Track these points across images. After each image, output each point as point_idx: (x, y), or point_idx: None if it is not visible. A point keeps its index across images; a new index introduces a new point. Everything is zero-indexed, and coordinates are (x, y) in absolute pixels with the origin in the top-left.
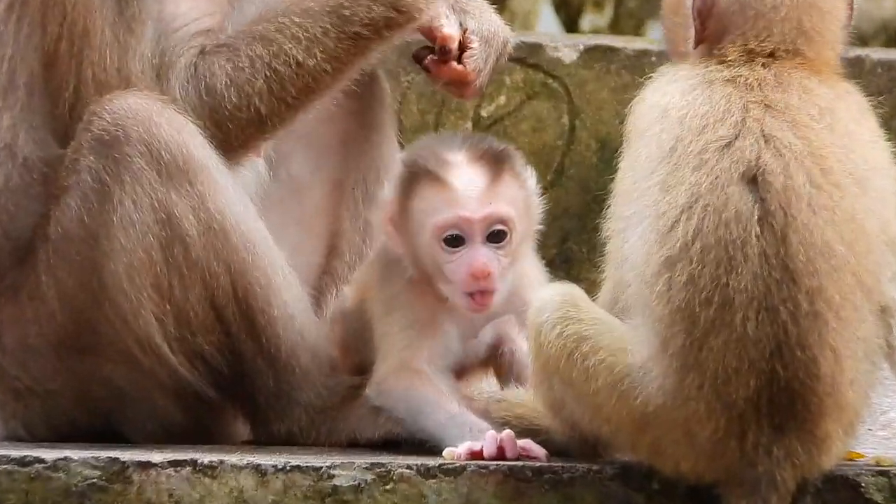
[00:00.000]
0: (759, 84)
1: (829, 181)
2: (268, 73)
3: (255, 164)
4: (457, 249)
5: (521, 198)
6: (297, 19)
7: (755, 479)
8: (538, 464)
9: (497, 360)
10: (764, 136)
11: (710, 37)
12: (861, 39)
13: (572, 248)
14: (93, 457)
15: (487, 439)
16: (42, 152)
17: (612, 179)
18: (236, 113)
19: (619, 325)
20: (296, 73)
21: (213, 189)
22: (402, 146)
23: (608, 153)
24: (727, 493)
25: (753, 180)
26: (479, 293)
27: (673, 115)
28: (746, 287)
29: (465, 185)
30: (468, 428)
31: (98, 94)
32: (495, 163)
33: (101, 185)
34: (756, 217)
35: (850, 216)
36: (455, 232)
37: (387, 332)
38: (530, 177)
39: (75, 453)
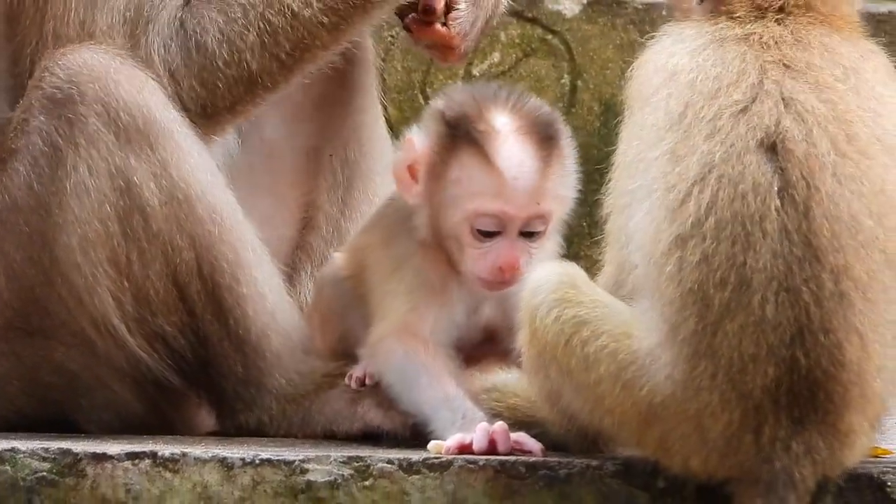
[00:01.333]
0: (777, 42)
1: (855, 149)
2: (261, 25)
3: None
4: (488, 239)
5: (565, 185)
6: None
7: (772, 477)
8: (532, 459)
9: (495, 341)
10: (783, 99)
11: None
12: None
13: (571, 222)
14: (42, 448)
15: (478, 431)
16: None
17: (616, 146)
18: (226, 70)
19: (623, 308)
20: (290, 26)
21: (177, 154)
22: (385, 108)
23: (612, 117)
24: (740, 491)
25: (773, 148)
26: (502, 283)
27: (682, 79)
28: (765, 266)
29: (516, 175)
30: (461, 415)
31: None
32: (546, 146)
33: (53, 149)
34: (776, 188)
35: (879, 188)
36: (492, 226)
37: (391, 291)
38: (573, 153)
39: (23, 444)
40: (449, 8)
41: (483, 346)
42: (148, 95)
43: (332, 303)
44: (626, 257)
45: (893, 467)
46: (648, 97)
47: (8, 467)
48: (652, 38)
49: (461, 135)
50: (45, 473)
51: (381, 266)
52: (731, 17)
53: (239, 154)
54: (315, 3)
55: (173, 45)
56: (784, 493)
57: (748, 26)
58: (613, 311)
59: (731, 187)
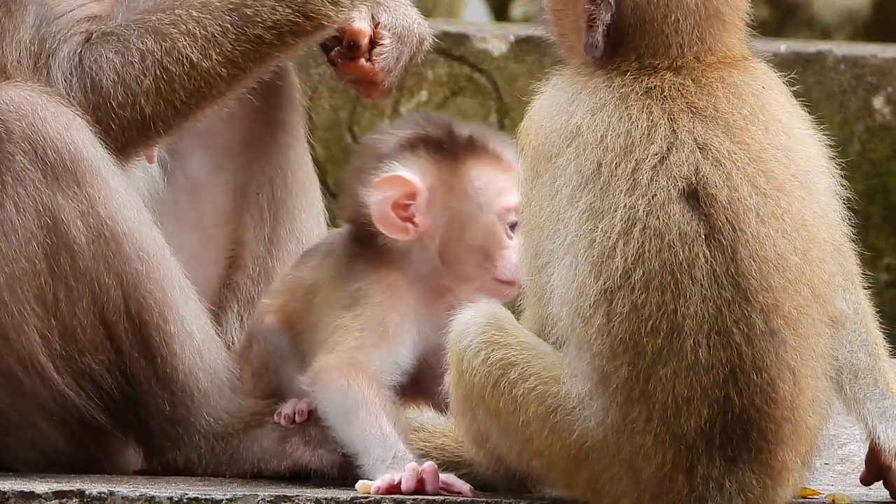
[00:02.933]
0: (679, 91)
1: (774, 187)
2: (158, 72)
3: (147, 165)
4: (513, 237)
5: None
6: (194, 13)
7: None
8: (461, 499)
9: (425, 379)
10: (699, 146)
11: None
12: (823, 32)
13: None
14: None
15: (407, 471)
16: None
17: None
18: (120, 112)
19: (550, 351)
20: (187, 75)
21: (104, 192)
22: (311, 146)
23: None
24: None
25: (695, 195)
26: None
27: (588, 137)
28: (696, 311)
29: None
30: (392, 454)
31: None
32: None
33: None
34: (702, 235)
35: (800, 223)
36: (516, 219)
37: (342, 326)
38: None
39: None
40: (373, 43)
41: (413, 385)
42: (75, 133)
43: (266, 357)
44: (548, 312)
45: None
46: (552, 157)
47: None
48: (537, 94)
49: (466, 147)
50: None
51: (333, 302)
52: (623, 73)
53: (164, 191)
54: (214, 56)
55: (73, 79)
56: None
57: (645, 81)
58: (541, 353)
59: (658, 239)
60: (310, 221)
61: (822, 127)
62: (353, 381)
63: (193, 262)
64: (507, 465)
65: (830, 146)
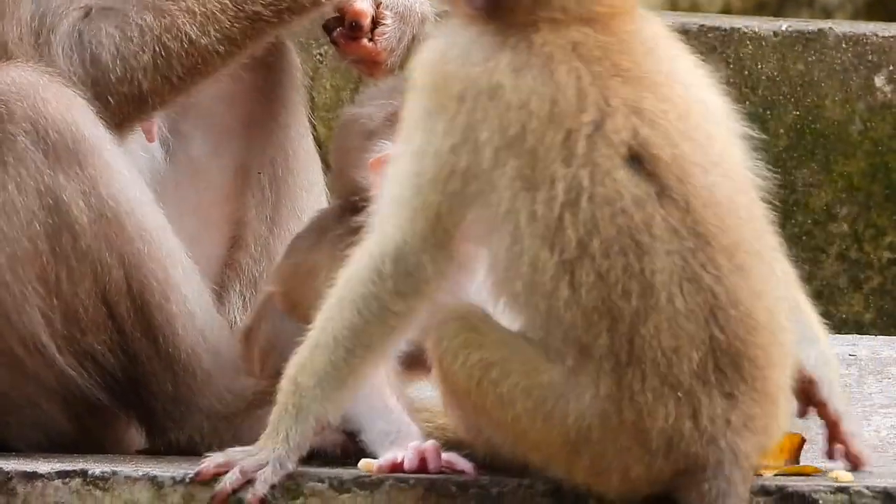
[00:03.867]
0: (604, 50)
1: (705, 138)
2: (156, 48)
3: (150, 146)
4: None
5: None
6: None
7: (718, 457)
8: (464, 478)
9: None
10: (633, 111)
11: None
12: (824, 11)
13: None
14: None
15: (409, 450)
16: None
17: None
18: (118, 87)
19: (524, 343)
20: (185, 52)
21: (106, 172)
22: (313, 126)
23: None
24: (685, 483)
25: (638, 159)
26: None
27: (511, 98)
28: (663, 266)
29: None
30: (397, 429)
31: None
32: None
33: None
34: (654, 195)
35: (735, 166)
36: None
37: None
38: None
39: None
40: (376, 23)
41: (416, 360)
42: (77, 113)
43: (274, 338)
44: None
45: (824, 486)
46: (466, 100)
47: None
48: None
49: None
50: None
51: (333, 280)
52: (538, 29)
53: (166, 172)
54: (213, 33)
55: (74, 55)
56: (730, 472)
57: (567, 37)
58: (518, 347)
59: (608, 206)
60: (311, 200)
61: (823, 105)
62: None
63: (195, 242)
64: (504, 456)
65: (832, 125)
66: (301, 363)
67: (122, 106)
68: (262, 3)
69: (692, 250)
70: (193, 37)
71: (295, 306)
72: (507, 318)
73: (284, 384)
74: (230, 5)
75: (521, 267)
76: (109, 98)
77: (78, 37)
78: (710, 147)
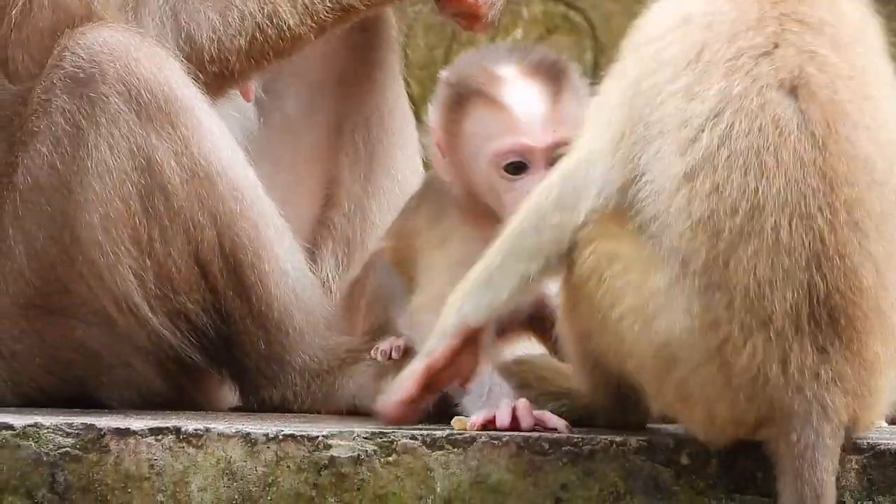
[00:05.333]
0: None
1: (872, 105)
2: (255, 34)
3: (244, 106)
4: (518, 177)
5: (580, 114)
6: None
7: (805, 408)
8: (556, 435)
9: (539, 318)
10: (804, 51)
11: None
12: None
13: None
14: (66, 423)
15: (502, 407)
16: None
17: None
18: (209, 67)
19: (651, 247)
20: (280, 38)
21: (198, 132)
22: (407, 84)
23: None
24: (772, 432)
25: (794, 91)
26: None
27: (697, 21)
28: (779, 192)
29: (525, 107)
30: (488, 388)
31: (55, 17)
32: (553, 78)
33: (75, 129)
34: (795, 123)
35: (885, 135)
36: (517, 159)
37: (434, 266)
38: (586, 86)
39: (47, 419)
40: None
41: (516, 321)
42: (168, 73)
43: (379, 293)
44: (632, 195)
45: None
46: (660, 36)
47: (31, 442)
48: None
49: (467, 92)
50: (68, 449)
51: (427, 245)
52: None
53: (260, 131)
54: (309, 22)
55: (166, 28)
56: (819, 425)
57: None
58: (643, 248)
59: (749, 121)
60: (405, 160)
61: None
62: None
63: (288, 201)
64: (605, 379)
65: None
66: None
67: (209, 84)
68: None
69: (814, 190)
70: (292, 24)
71: (400, 262)
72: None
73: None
74: None
75: (654, 174)
76: (200, 74)
77: (171, 12)
78: (867, 108)
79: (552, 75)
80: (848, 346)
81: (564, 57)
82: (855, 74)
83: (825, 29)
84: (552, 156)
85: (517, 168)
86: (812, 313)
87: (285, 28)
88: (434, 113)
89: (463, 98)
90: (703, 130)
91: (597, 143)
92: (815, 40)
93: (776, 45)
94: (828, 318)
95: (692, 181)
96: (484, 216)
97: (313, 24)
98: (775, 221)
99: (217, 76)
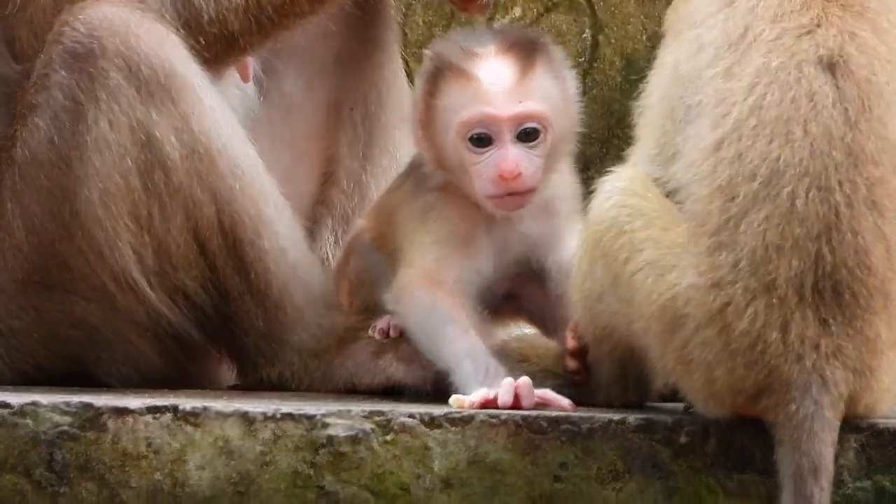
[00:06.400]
0: None
1: None
2: None
3: (243, 84)
4: (484, 149)
5: (557, 92)
6: None
7: (804, 378)
8: (554, 413)
9: (520, 298)
10: (846, 32)
11: None
12: None
13: (594, 177)
14: (63, 402)
15: (503, 386)
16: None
17: (638, 101)
18: (209, 28)
19: (676, 208)
20: None
21: (198, 108)
22: (406, 63)
23: (634, 73)
24: (771, 403)
25: (832, 68)
26: (510, 195)
27: (741, 5)
28: (801, 161)
29: (492, 78)
30: (485, 367)
31: None
32: (527, 53)
33: (74, 103)
34: (830, 98)
35: None
36: (481, 130)
37: (417, 241)
38: (568, 68)
39: (44, 397)
40: None
41: (508, 304)
42: (169, 49)
43: (362, 273)
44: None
45: None
46: (703, 20)
47: (29, 421)
48: None
49: (444, 65)
50: (66, 427)
51: (408, 220)
52: None
53: (259, 108)
54: None
55: None
56: (818, 396)
57: None
58: (667, 207)
59: (782, 91)
60: (403, 137)
61: None
62: (436, 297)
63: (287, 178)
64: (611, 346)
65: None
66: None
67: (213, 47)
68: None
69: (837, 164)
70: None
71: (380, 240)
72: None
73: None
74: None
75: (688, 151)
76: (201, 39)
77: None
78: None
79: (525, 50)
80: (850, 321)
81: (546, 37)
82: (894, 59)
83: (867, 14)
84: (519, 128)
85: (482, 140)
86: (816, 284)
87: None
88: (415, 89)
89: (438, 72)
90: (735, 104)
91: (643, 150)
92: (856, 23)
93: (818, 25)
94: (832, 291)
95: (718, 150)
96: (463, 195)
97: None
98: (792, 189)
99: (219, 39)
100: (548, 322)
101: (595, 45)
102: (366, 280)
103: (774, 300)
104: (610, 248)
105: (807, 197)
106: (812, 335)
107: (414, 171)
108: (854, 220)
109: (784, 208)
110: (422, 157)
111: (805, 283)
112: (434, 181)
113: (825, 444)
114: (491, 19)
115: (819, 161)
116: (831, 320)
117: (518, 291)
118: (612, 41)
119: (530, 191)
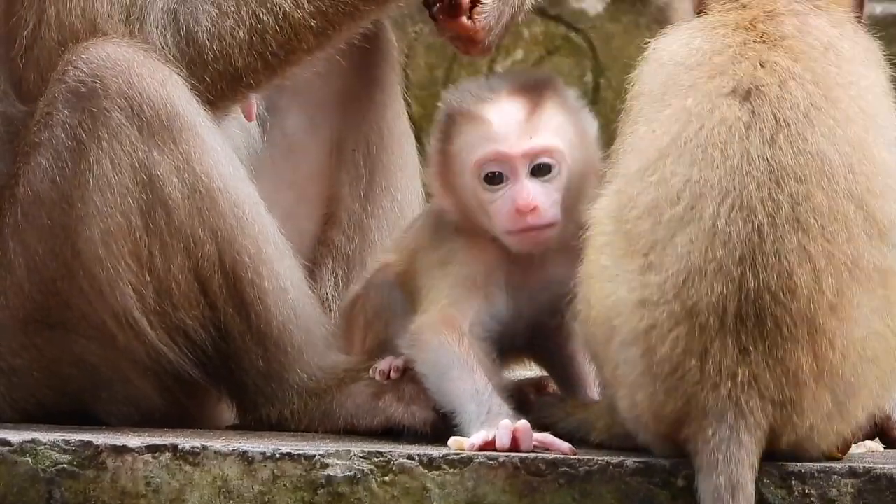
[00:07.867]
0: (752, 21)
1: (834, 107)
2: (252, 23)
3: (246, 124)
4: (499, 187)
5: (569, 127)
6: None
7: (721, 406)
8: (552, 456)
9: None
10: (761, 63)
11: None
12: None
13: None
14: (63, 440)
15: (501, 428)
16: (3, 106)
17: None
18: (214, 65)
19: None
20: (279, 25)
21: (200, 148)
22: (407, 104)
23: None
24: (691, 430)
25: (747, 95)
26: (529, 230)
27: (668, 59)
28: (720, 181)
29: (502, 117)
30: (487, 409)
31: (60, 37)
32: (536, 92)
33: (76, 142)
34: (743, 121)
35: (855, 140)
36: (495, 168)
37: (434, 287)
38: (582, 105)
39: (44, 436)
40: (475, 2)
41: (527, 346)
42: (171, 89)
43: (379, 309)
44: None
45: None
46: (639, 79)
47: (28, 459)
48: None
49: (456, 112)
50: (65, 465)
51: (429, 265)
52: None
53: (261, 148)
54: (306, 6)
55: (168, 33)
56: (734, 422)
57: (732, 17)
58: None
59: (698, 122)
60: (405, 178)
61: None
62: (446, 339)
63: (289, 218)
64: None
65: None
66: None
67: (217, 85)
68: None
69: (759, 182)
70: (287, 10)
71: (401, 282)
72: None
73: None
74: None
75: (617, 177)
76: (205, 76)
77: (173, 16)
78: (835, 115)
79: (534, 89)
80: (770, 351)
81: (555, 76)
82: (815, 78)
83: (784, 42)
84: (532, 164)
85: (497, 178)
86: (739, 311)
87: (280, 14)
88: (431, 140)
89: (451, 119)
90: (656, 139)
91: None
92: (772, 52)
93: (733, 63)
94: (755, 318)
95: (642, 179)
96: (484, 240)
97: (312, 9)
98: (715, 210)
99: (224, 76)
100: (569, 380)
101: (596, 87)
102: (383, 316)
103: (696, 326)
104: (586, 271)
105: (729, 217)
106: (730, 364)
107: (433, 215)
108: (778, 240)
109: (706, 229)
110: (439, 206)
111: (728, 308)
112: (454, 227)
113: (743, 465)
114: (493, 62)
115: (739, 180)
116: (751, 349)
117: (539, 345)
118: (614, 84)
119: (550, 225)
